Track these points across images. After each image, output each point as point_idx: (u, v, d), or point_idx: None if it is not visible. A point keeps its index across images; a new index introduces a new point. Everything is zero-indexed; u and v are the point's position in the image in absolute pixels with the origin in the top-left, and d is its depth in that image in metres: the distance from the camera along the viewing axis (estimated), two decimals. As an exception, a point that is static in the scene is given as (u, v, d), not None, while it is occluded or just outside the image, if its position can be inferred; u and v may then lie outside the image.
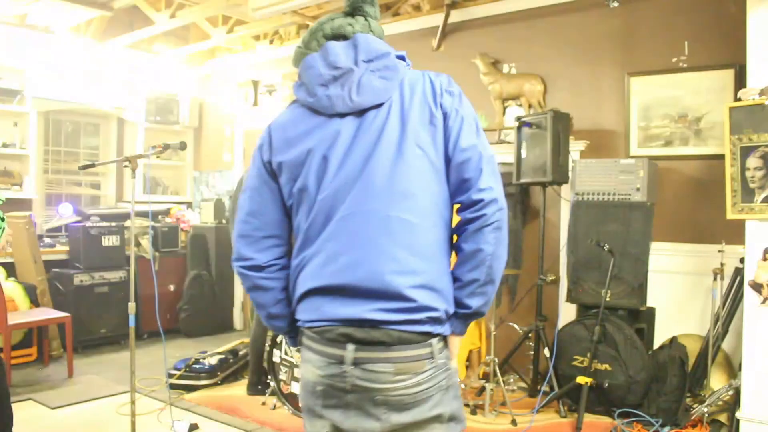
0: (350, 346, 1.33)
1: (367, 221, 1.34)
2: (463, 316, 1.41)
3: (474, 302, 1.39)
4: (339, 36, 1.48)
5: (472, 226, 1.37)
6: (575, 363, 3.81)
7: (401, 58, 1.48)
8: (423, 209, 1.37)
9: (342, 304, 1.34)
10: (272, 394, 3.97)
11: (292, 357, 3.86)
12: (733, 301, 3.66)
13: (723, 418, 3.45)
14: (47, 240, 5.69)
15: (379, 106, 1.40)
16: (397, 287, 1.31)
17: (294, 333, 1.54)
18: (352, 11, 1.52)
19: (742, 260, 3.34)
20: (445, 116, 1.41)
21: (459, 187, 1.39)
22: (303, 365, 1.44)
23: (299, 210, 1.44)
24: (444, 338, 1.40)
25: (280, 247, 1.50)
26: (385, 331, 1.32)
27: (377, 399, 1.33)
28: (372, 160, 1.37)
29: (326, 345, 1.36)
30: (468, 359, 4.26)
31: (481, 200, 1.36)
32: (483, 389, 3.94)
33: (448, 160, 1.41)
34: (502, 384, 3.85)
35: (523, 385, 4.26)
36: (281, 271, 1.49)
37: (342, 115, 1.41)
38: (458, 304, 1.40)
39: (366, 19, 1.51)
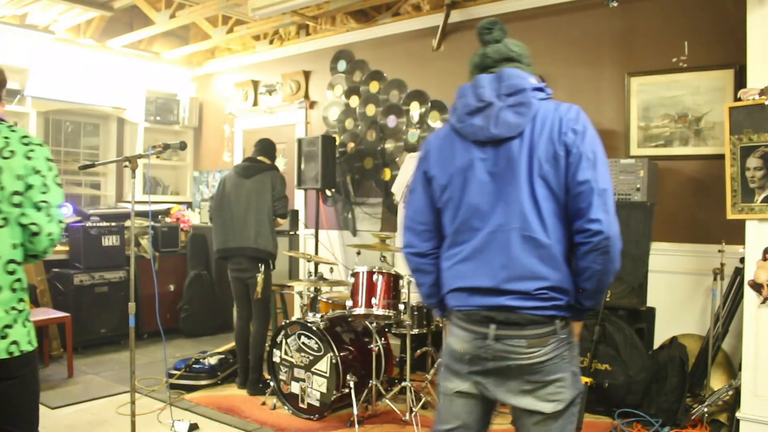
0: (492, 326, 1.68)
1: (509, 238, 1.67)
2: (579, 310, 1.74)
3: (587, 303, 1.72)
4: (482, 67, 1.83)
5: (582, 248, 1.65)
6: (575, 363, 3.81)
7: (540, 89, 1.75)
8: (548, 229, 1.66)
9: (486, 297, 1.70)
10: (272, 394, 3.97)
11: (291, 357, 3.86)
12: (733, 301, 3.66)
13: (723, 418, 3.46)
14: (47, 240, 5.68)
15: (513, 138, 1.68)
16: (529, 289, 1.65)
17: (443, 308, 1.88)
18: (490, 41, 1.86)
19: (742, 260, 3.34)
20: (567, 153, 1.65)
21: (575, 214, 1.65)
22: (451, 338, 1.80)
23: (445, 214, 1.80)
24: (565, 319, 1.71)
25: (434, 240, 1.85)
26: (521, 314, 1.66)
27: (512, 366, 1.68)
28: (507, 187, 1.68)
29: (472, 324, 1.72)
30: None
31: (590, 229, 1.61)
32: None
33: (567, 190, 1.65)
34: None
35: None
36: (437, 259, 1.85)
37: (482, 144, 1.72)
38: (576, 301, 1.72)
39: (499, 42, 1.84)
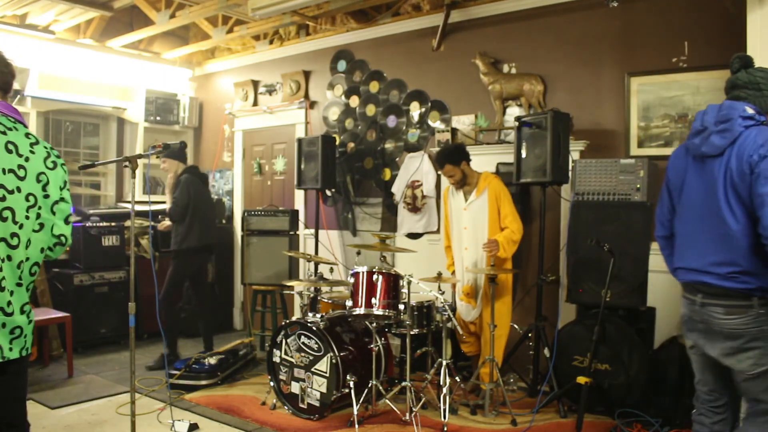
0: (699, 295, 2.27)
1: (710, 232, 2.24)
2: None
3: None
4: (726, 94, 2.35)
5: (764, 248, 2.11)
6: (575, 363, 3.81)
7: (750, 117, 2.19)
8: (739, 228, 2.16)
9: (695, 274, 2.30)
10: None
11: (291, 357, 3.86)
12: (733, 301, 3.65)
13: (723, 418, 3.45)
14: (47, 240, 5.68)
15: (716, 156, 2.22)
16: (723, 272, 2.20)
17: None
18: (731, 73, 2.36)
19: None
20: (751, 171, 2.12)
21: (757, 220, 2.10)
22: (681, 306, 2.42)
23: (676, 208, 2.45)
24: (765, 299, 2.14)
25: (669, 230, 2.50)
26: (719, 287, 2.21)
27: (715, 329, 2.23)
28: (710, 192, 2.24)
29: (687, 293, 2.35)
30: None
31: (761, 234, 2.08)
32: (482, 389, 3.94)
33: (751, 200, 2.12)
34: (501, 384, 3.85)
35: (523, 385, 4.26)
36: (671, 242, 2.51)
37: (694, 158, 2.32)
38: None
39: (735, 73, 2.32)
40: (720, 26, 3.88)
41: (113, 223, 5.68)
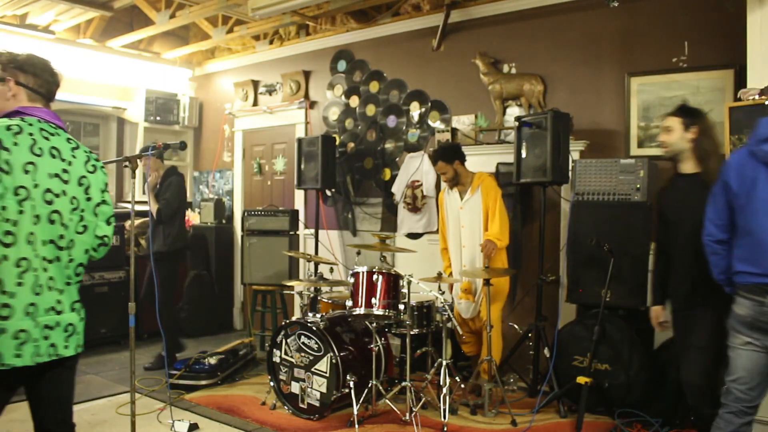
0: None
1: None
2: None
3: None
4: None
5: None
6: (575, 363, 3.81)
7: None
8: None
9: (764, 278, 2.30)
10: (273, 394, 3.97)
11: (291, 357, 3.86)
12: (733, 301, 3.65)
13: (723, 418, 3.45)
14: (47, 240, 5.68)
15: None
16: None
17: (731, 283, 2.49)
18: None
19: (742, 260, 3.33)
20: None
21: None
22: (737, 306, 2.42)
23: (737, 213, 2.41)
24: None
25: (729, 232, 2.47)
26: None
27: None
28: None
29: (753, 294, 2.34)
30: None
31: None
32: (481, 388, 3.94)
33: None
34: (500, 384, 3.85)
35: (523, 385, 4.26)
36: (729, 246, 2.48)
37: (765, 164, 2.30)
38: None
39: None
40: (720, 26, 3.88)
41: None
